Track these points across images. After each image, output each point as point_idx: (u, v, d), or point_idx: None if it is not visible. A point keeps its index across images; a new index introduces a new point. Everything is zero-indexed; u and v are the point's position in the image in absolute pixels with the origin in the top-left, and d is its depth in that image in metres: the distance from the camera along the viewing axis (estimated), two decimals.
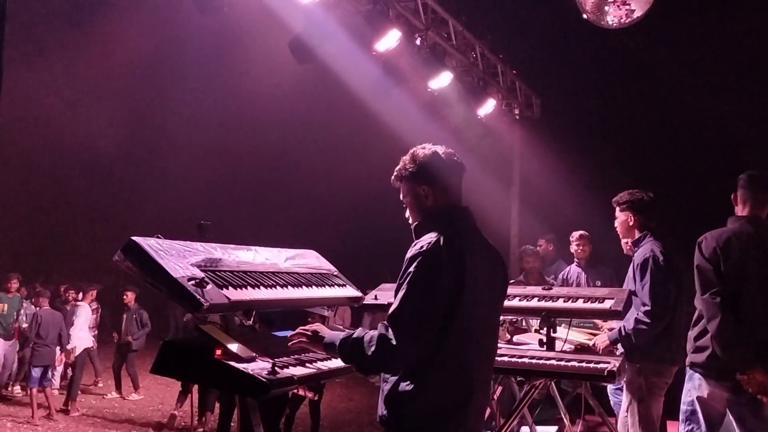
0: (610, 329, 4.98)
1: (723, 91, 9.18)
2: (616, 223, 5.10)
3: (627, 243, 5.30)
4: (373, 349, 2.51)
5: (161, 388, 11.42)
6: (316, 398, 8.00)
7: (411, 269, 2.54)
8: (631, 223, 4.91)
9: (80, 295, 11.30)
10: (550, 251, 8.83)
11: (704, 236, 4.19)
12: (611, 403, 5.78)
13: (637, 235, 4.90)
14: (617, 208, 5.04)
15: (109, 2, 13.18)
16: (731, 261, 4.09)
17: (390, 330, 2.50)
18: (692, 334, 4.19)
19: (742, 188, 4.36)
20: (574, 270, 7.40)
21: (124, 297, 11.14)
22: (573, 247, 7.45)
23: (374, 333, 2.54)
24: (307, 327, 2.84)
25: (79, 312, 10.61)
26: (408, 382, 2.58)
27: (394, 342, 2.48)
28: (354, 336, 2.60)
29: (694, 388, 4.14)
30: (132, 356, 10.97)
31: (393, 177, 2.88)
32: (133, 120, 16.77)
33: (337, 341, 2.66)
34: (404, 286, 2.54)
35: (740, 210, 4.34)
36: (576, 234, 7.47)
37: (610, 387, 5.63)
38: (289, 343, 2.83)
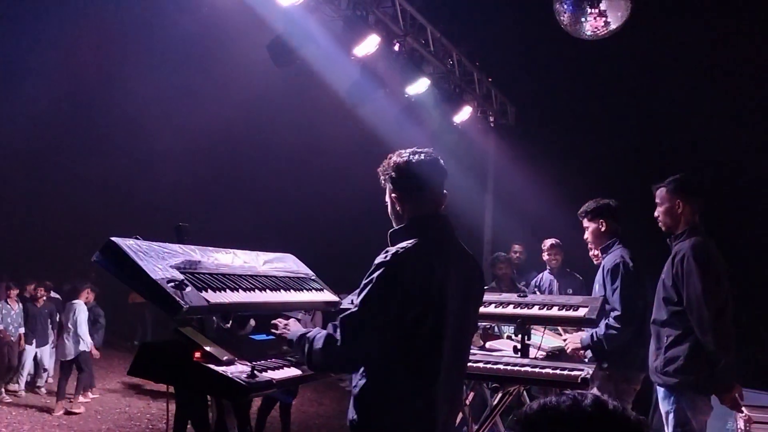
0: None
1: (698, 101, 9.33)
2: (586, 234, 5.16)
3: (596, 254, 5.39)
4: (319, 346, 2.66)
5: (128, 390, 11.28)
6: (293, 403, 8.00)
7: (374, 276, 2.59)
8: (603, 229, 4.97)
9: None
10: (524, 258, 8.90)
11: (693, 254, 4.12)
12: None
13: (606, 241, 4.97)
14: (585, 219, 5.09)
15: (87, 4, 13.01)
16: (722, 276, 4.15)
17: (338, 331, 2.61)
18: (677, 353, 4.13)
19: (692, 195, 4.37)
20: (546, 277, 7.48)
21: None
22: (545, 256, 7.53)
23: (323, 332, 2.67)
24: (284, 322, 2.99)
25: (78, 310, 10.37)
26: (378, 387, 2.63)
27: (339, 343, 2.60)
28: (307, 334, 2.75)
29: (689, 408, 4.11)
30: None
31: (381, 179, 2.92)
32: (108, 120, 16.58)
33: (295, 338, 2.82)
34: (364, 291, 2.60)
35: (690, 218, 4.35)
36: (548, 242, 7.55)
37: None
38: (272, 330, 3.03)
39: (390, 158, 2.86)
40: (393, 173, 2.81)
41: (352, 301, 4.15)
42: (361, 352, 2.60)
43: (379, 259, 2.62)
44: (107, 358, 12.65)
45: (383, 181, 2.87)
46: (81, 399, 10.22)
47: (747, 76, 9.52)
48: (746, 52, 9.34)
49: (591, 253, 5.73)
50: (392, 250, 2.63)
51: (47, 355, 11.00)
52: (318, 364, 2.73)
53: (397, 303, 2.55)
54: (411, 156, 2.82)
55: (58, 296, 11.42)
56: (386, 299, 2.55)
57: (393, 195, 2.81)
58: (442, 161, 2.87)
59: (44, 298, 11.01)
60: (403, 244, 2.64)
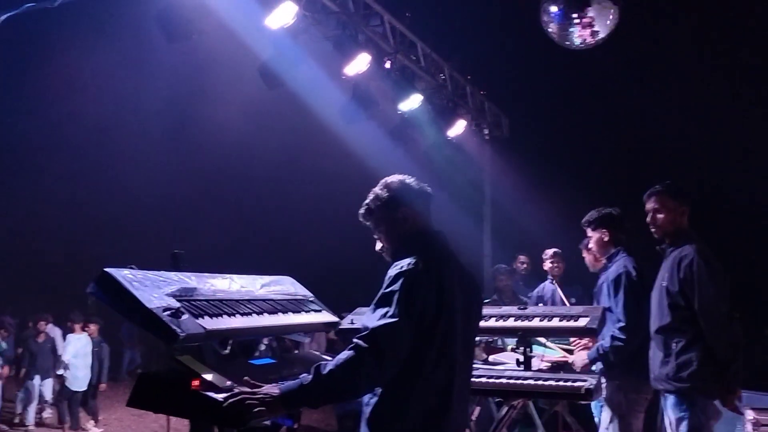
0: (585, 345, 5.03)
1: (690, 111, 9.38)
2: (591, 243, 5.17)
3: (598, 260, 5.39)
4: (348, 369, 2.46)
5: (134, 419, 11.21)
6: (295, 427, 7.93)
7: (395, 287, 2.55)
8: (606, 239, 4.98)
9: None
10: (530, 269, 8.69)
11: (702, 259, 4.13)
12: (597, 420, 5.80)
13: (611, 250, 4.97)
14: (589, 229, 5.10)
15: (73, 28, 13.06)
16: (726, 280, 4.18)
17: (371, 346, 2.46)
18: (689, 359, 4.12)
19: (684, 200, 4.40)
20: (548, 287, 7.45)
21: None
22: (547, 265, 7.50)
23: (343, 356, 2.48)
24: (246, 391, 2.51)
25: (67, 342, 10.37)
26: (390, 405, 2.61)
27: (379, 356, 2.46)
28: (325, 371, 2.46)
29: (703, 413, 4.10)
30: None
31: (362, 211, 2.92)
32: (99, 145, 16.62)
33: (297, 388, 2.48)
34: (387, 303, 2.53)
35: (686, 223, 4.38)
36: (549, 252, 7.53)
37: (596, 403, 5.65)
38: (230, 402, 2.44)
39: (384, 184, 2.92)
40: (391, 194, 2.86)
41: (352, 321, 4.17)
42: (398, 362, 2.52)
43: (395, 270, 2.61)
44: (113, 387, 12.57)
45: (372, 213, 2.90)
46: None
47: (740, 82, 9.57)
48: (737, 58, 9.40)
49: (588, 259, 5.78)
50: (406, 261, 2.63)
51: (48, 388, 10.94)
52: (363, 388, 2.57)
53: (418, 312, 2.55)
54: (402, 177, 2.92)
55: (58, 328, 11.40)
56: (413, 306, 2.53)
57: (398, 213, 2.84)
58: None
59: (45, 332, 10.99)
60: (411, 258, 2.64)
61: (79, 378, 10.19)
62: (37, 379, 10.67)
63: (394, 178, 2.92)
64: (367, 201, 2.92)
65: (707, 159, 9.03)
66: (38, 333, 10.94)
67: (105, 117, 15.15)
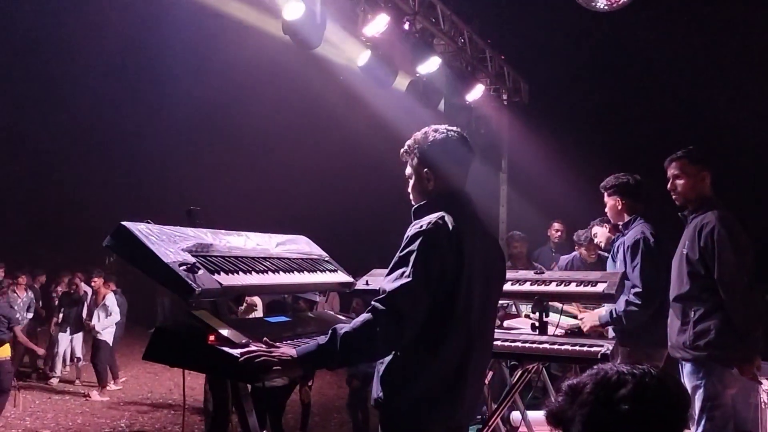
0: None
1: (712, 76, 9.20)
2: (606, 209, 5.12)
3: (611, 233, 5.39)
4: (370, 333, 2.42)
5: (150, 377, 11.37)
6: (309, 384, 8.03)
7: (412, 247, 2.51)
8: (619, 207, 4.94)
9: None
10: (564, 237, 8.48)
11: (724, 226, 4.06)
12: None
13: (626, 218, 4.93)
14: (605, 194, 5.05)
15: None
16: (749, 248, 4.12)
17: (388, 309, 2.42)
18: (707, 327, 4.08)
19: (709, 165, 4.32)
20: (577, 258, 7.36)
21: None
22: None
23: (366, 319, 2.44)
24: (263, 348, 2.50)
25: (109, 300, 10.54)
26: (404, 364, 2.58)
27: (398, 319, 2.42)
28: (342, 333, 2.41)
29: (719, 381, 4.07)
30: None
31: (402, 150, 2.86)
32: (120, 108, 16.61)
33: (314, 350, 2.44)
34: (409, 261, 2.49)
35: (709, 189, 4.30)
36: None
37: None
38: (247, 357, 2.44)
39: (425, 132, 2.83)
40: (427, 146, 2.79)
41: (367, 282, 4.14)
42: (417, 324, 2.47)
43: (414, 230, 2.56)
44: (129, 345, 12.74)
45: (409, 155, 2.84)
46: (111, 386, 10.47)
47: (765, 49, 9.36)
48: (764, 20, 9.18)
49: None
50: (426, 220, 2.58)
51: (78, 343, 11.12)
52: (380, 351, 2.55)
53: (436, 273, 2.50)
54: (447, 132, 2.82)
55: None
56: (431, 267, 2.49)
57: (423, 170, 2.78)
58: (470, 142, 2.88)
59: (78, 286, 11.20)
60: (433, 216, 2.59)
61: (113, 333, 10.52)
62: (67, 333, 10.85)
63: (435, 133, 2.81)
64: (408, 142, 2.85)
65: (735, 124, 8.86)
66: (72, 288, 11.13)
67: (124, 75, 15.13)
